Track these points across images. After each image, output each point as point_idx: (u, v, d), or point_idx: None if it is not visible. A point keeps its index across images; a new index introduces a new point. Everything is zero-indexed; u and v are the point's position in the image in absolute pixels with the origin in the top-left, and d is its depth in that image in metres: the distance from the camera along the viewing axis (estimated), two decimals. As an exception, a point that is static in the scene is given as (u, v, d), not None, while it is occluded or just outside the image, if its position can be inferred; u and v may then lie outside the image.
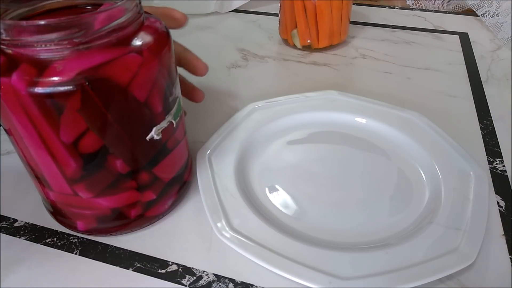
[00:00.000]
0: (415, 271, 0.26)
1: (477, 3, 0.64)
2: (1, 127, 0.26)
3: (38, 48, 0.21)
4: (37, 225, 0.32)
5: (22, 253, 0.30)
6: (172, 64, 0.27)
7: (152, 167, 0.28)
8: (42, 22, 0.21)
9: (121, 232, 0.30)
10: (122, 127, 0.25)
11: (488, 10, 0.62)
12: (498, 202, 0.33)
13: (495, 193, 0.34)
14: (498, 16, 0.61)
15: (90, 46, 0.22)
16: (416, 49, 0.58)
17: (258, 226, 0.29)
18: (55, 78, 0.21)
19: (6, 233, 0.31)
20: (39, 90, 0.21)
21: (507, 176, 0.35)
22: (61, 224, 0.31)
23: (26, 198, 0.34)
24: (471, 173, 0.33)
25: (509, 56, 0.55)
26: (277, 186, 0.34)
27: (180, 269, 0.28)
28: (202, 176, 0.33)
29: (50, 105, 0.22)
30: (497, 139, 0.40)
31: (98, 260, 0.29)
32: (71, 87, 0.21)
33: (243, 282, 0.28)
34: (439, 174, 0.34)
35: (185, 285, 0.27)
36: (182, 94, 0.41)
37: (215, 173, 0.34)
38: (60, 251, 0.30)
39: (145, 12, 0.27)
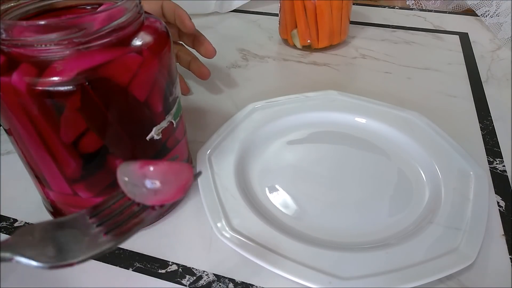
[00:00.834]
0: (415, 271, 0.26)
1: (477, 3, 0.64)
2: (1, 127, 0.26)
3: (38, 48, 0.21)
4: (37, 225, 0.32)
5: (22, 253, 0.30)
6: (172, 64, 0.27)
7: None
8: (42, 22, 0.21)
9: (121, 232, 0.30)
10: (122, 127, 0.25)
11: (488, 10, 0.62)
12: (498, 202, 0.33)
13: (495, 193, 0.34)
14: (498, 16, 0.61)
15: (90, 46, 0.22)
16: (416, 49, 0.58)
17: (258, 226, 0.29)
18: (55, 78, 0.21)
19: (6, 233, 0.31)
20: (39, 90, 0.21)
21: (507, 176, 0.35)
22: (61, 224, 0.31)
23: (26, 198, 0.34)
24: (471, 173, 0.33)
25: (509, 56, 0.55)
26: (277, 186, 0.34)
27: (180, 269, 0.28)
28: (202, 176, 0.33)
29: (50, 105, 0.22)
30: (497, 139, 0.40)
31: (98, 260, 0.29)
32: (71, 87, 0.21)
33: (243, 282, 0.28)
34: (439, 174, 0.34)
35: (185, 285, 0.27)
36: (191, 70, 0.44)
37: (215, 173, 0.34)
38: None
39: (145, 12, 0.27)
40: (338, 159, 0.37)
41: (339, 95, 0.43)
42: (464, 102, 0.46)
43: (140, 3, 0.25)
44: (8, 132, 0.25)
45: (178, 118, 0.29)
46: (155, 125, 0.27)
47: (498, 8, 0.61)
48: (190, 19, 0.41)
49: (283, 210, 0.32)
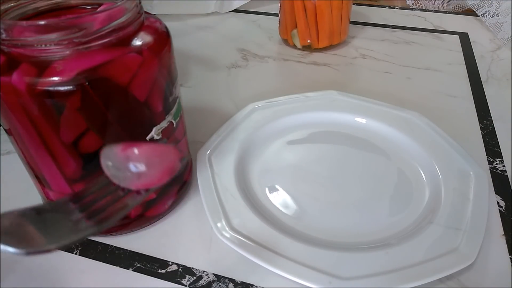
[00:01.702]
0: (415, 271, 0.26)
1: (477, 3, 0.64)
2: (1, 127, 0.26)
3: (38, 48, 0.21)
4: (37, 225, 0.32)
5: (22, 253, 0.30)
6: (172, 64, 0.27)
7: None
8: (42, 22, 0.21)
9: (121, 232, 0.30)
10: (122, 127, 0.25)
11: (488, 10, 0.62)
12: (498, 202, 0.33)
13: (495, 193, 0.34)
14: (498, 16, 0.61)
15: (90, 46, 0.22)
16: (416, 49, 0.58)
17: (258, 226, 0.29)
18: (55, 78, 0.21)
19: (6, 233, 0.31)
20: (39, 89, 0.21)
21: (507, 176, 0.35)
22: (61, 224, 0.31)
23: (26, 198, 0.34)
24: (471, 173, 0.33)
25: (509, 56, 0.55)
26: (277, 186, 0.34)
27: (180, 269, 0.28)
28: (202, 176, 0.33)
29: (50, 105, 0.22)
30: (497, 139, 0.40)
31: (98, 260, 0.29)
32: (71, 87, 0.21)
33: (243, 282, 0.28)
34: (439, 174, 0.34)
35: (185, 285, 0.27)
36: None
37: (215, 173, 0.34)
38: (60, 251, 0.30)
39: (145, 12, 0.27)
40: (338, 159, 0.37)
41: (339, 95, 0.43)
42: (464, 102, 0.46)
43: (140, 3, 0.25)
44: (8, 132, 0.25)
45: (178, 118, 0.29)
46: (155, 125, 0.27)
47: (498, 8, 0.61)
48: None
49: (283, 210, 0.32)
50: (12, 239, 0.17)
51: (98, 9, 0.22)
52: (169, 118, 0.28)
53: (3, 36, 0.21)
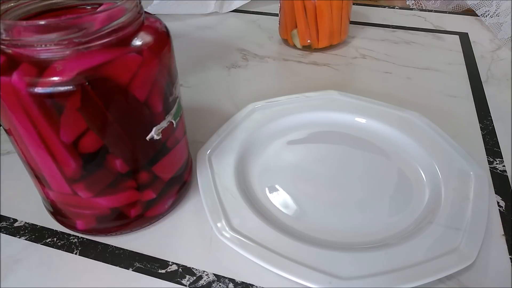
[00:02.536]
0: (415, 271, 0.26)
1: (477, 3, 0.64)
2: (1, 127, 0.26)
3: (38, 48, 0.21)
4: (37, 225, 0.32)
5: (22, 253, 0.30)
6: (172, 64, 0.27)
7: (152, 166, 0.28)
8: (42, 22, 0.21)
9: (121, 232, 0.30)
10: (122, 127, 0.25)
11: (488, 10, 0.62)
12: (498, 202, 0.33)
13: (495, 193, 0.34)
14: (498, 16, 0.61)
15: (90, 46, 0.22)
16: (416, 49, 0.58)
17: (258, 226, 0.29)
18: (55, 78, 0.21)
19: (6, 233, 0.31)
20: (39, 90, 0.21)
21: (507, 176, 0.35)
22: (61, 224, 0.31)
23: (26, 198, 0.34)
24: (471, 173, 0.33)
25: (509, 56, 0.55)
26: (277, 186, 0.34)
27: (180, 269, 0.28)
28: (202, 176, 0.33)
29: (50, 105, 0.22)
30: (497, 139, 0.40)
31: (98, 260, 0.29)
32: (71, 87, 0.21)
33: (243, 282, 0.28)
34: (439, 174, 0.34)
35: (185, 285, 0.27)
36: None
37: (215, 173, 0.34)
38: (60, 251, 0.30)
39: (145, 12, 0.27)
40: (338, 159, 0.37)
41: (339, 95, 0.43)
42: (464, 102, 0.46)
43: (140, 3, 0.25)
44: (8, 132, 0.25)
45: (178, 118, 0.29)
46: (155, 125, 0.27)
47: (498, 8, 0.61)
48: None
49: (283, 210, 0.32)
50: None
51: (98, 9, 0.22)
52: (169, 118, 0.28)
53: (3, 36, 0.21)
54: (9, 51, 0.22)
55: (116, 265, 0.29)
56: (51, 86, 0.21)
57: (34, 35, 0.21)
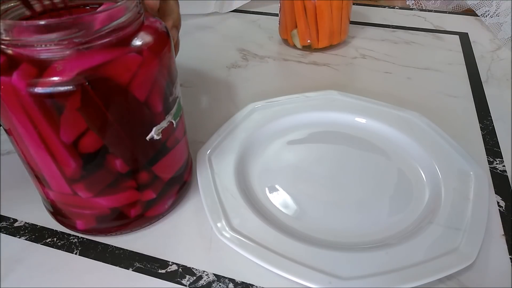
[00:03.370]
0: (415, 271, 0.26)
1: (477, 3, 0.64)
2: (1, 127, 0.26)
3: (38, 48, 0.21)
4: (37, 225, 0.32)
5: (22, 253, 0.30)
6: (172, 64, 0.27)
7: (152, 165, 0.28)
8: (42, 22, 0.21)
9: (121, 232, 0.30)
10: (122, 127, 0.25)
11: (488, 10, 0.62)
12: (498, 202, 0.33)
13: (495, 193, 0.34)
14: (498, 16, 0.61)
15: (90, 46, 0.22)
16: (416, 49, 0.58)
17: (258, 226, 0.29)
18: (55, 78, 0.21)
19: (6, 233, 0.31)
20: (39, 90, 0.21)
21: (507, 176, 0.35)
22: (61, 224, 0.31)
23: (26, 198, 0.34)
24: (471, 173, 0.33)
25: (509, 56, 0.55)
26: (277, 186, 0.34)
27: (180, 269, 0.28)
28: (202, 176, 0.33)
29: (50, 105, 0.22)
30: (497, 139, 0.40)
31: (98, 260, 0.29)
32: (71, 87, 0.21)
33: (243, 282, 0.28)
34: (439, 174, 0.34)
35: (185, 285, 0.27)
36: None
37: (215, 173, 0.34)
38: (60, 251, 0.30)
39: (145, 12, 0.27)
40: (338, 159, 0.37)
41: (339, 95, 0.43)
42: (464, 102, 0.46)
43: (140, 3, 0.25)
44: (8, 132, 0.25)
45: (178, 118, 0.29)
46: (155, 125, 0.27)
47: (498, 8, 0.61)
48: None
49: (283, 210, 0.32)
50: None
51: (98, 9, 0.22)
52: (169, 118, 0.28)
53: (3, 36, 0.21)
54: (9, 51, 0.22)
55: (116, 265, 0.29)
56: (51, 86, 0.21)
57: (34, 35, 0.21)
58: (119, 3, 0.23)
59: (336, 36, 0.55)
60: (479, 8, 0.64)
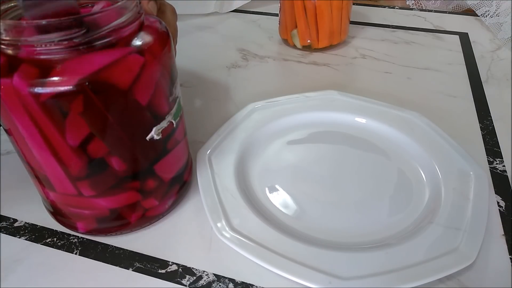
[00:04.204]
0: (415, 271, 0.26)
1: (477, 3, 0.64)
2: (1, 127, 0.26)
3: (38, 48, 0.21)
4: (37, 225, 0.32)
5: (22, 253, 0.30)
6: (172, 64, 0.27)
7: (153, 165, 0.28)
8: (42, 22, 0.21)
9: (121, 232, 0.30)
10: (123, 128, 0.25)
11: (488, 10, 0.62)
12: (498, 202, 0.33)
13: (495, 193, 0.34)
14: (498, 16, 0.61)
15: (90, 46, 0.22)
16: (416, 49, 0.58)
17: (258, 226, 0.29)
18: (57, 79, 0.21)
19: (6, 233, 0.31)
20: (39, 91, 0.21)
21: (507, 176, 0.35)
22: (61, 224, 0.31)
23: (26, 198, 0.34)
24: (471, 173, 0.33)
25: (509, 56, 0.55)
26: (277, 186, 0.34)
27: (180, 269, 0.28)
28: (202, 176, 0.33)
29: (53, 107, 0.22)
30: (497, 139, 0.40)
31: (98, 260, 0.29)
32: (71, 87, 0.21)
33: (243, 282, 0.28)
34: (439, 174, 0.34)
35: (185, 285, 0.27)
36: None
37: (215, 173, 0.34)
38: (60, 251, 0.30)
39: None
40: (338, 159, 0.37)
41: (339, 95, 0.43)
42: (464, 102, 0.46)
43: (140, 3, 0.25)
44: (8, 132, 0.25)
45: (178, 118, 0.29)
46: (155, 125, 0.27)
47: (498, 8, 0.61)
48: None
49: (283, 210, 0.32)
50: None
51: (95, 8, 0.22)
52: (169, 118, 0.28)
53: (3, 36, 0.21)
54: (9, 51, 0.22)
55: (116, 265, 0.29)
56: (53, 87, 0.21)
57: (34, 35, 0.21)
58: (119, 3, 0.23)
59: (336, 36, 0.55)
60: (479, 8, 0.64)
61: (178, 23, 0.41)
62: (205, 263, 0.29)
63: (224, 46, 0.59)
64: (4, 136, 0.26)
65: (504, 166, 0.36)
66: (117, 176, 0.26)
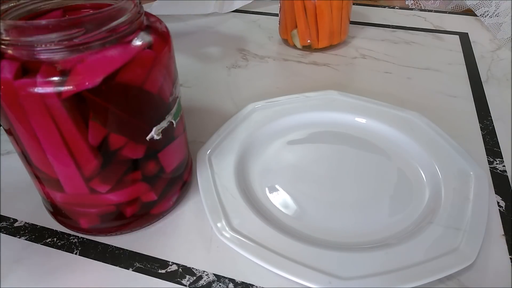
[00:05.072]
0: (415, 271, 0.26)
1: (476, 3, 0.64)
2: (1, 127, 0.26)
3: (38, 48, 0.21)
4: (37, 225, 0.32)
5: (22, 253, 0.30)
6: (172, 64, 0.27)
7: (158, 152, 0.28)
8: (42, 22, 0.21)
9: (121, 232, 0.30)
10: (139, 121, 0.25)
11: (488, 11, 0.62)
12: (498, 202, 0.33)
13: (495, 193, 0.34)
14: (498, 16, 0.61)
15: (90, 47, 0.22)
16: (416, 49, 0.58)
17: (258, 226, 0.29)
18: (81, 77, 0.21)
19: (6, 233, 0.31)
20: (64, 89, 0.21)
21: (507, 176, 0.35)
22: (61, 224, 0.31)
23: (26, 198, 0.34)
24: (471, 173, 0.33)
25: (509, 56, 0.55)
26: (277, 186, 0.34)
27: (180, 269, 0.28)
28: (202, 176, 0.33)
29: (77, 106, 0.22)
30: (497, 139, 0.40)
31: (98, 260, 0.29)
32: (96, 85, 0.22)
33: (243, 282, 0.28)
34: (439, 174, 0.34)
35: (185, 285, 0.27)
36: None
37: (215, 173, 0.34)
38: (60, 251, 0.30)
39: (145, 12, 0.27)
40: (338, 159, 0.37)
41: (339, 95, 0.43)
42: (464, 102, 0.46)
43: (139, 3, 0.25)
44: (8, 132, 0.25)
45: (178, 118, 0.29)
46: (155, 125, 0.27)
47: (498, 8, 0.61)
48: None
49: (283, 210, 0.32)
50: None
51: (99, 9, 0.22)
52: (169, 118, 0.28)
53: (3, 36, 0.21)
54: (9, 51, 0.22)
55: (116, 265, 0.29)
56: (77, 86, 0.21)
57: (34, 35, 0.21)
58: (119, 3, 0.23)
59: (336, 36, 0.55)
60: (478, 9, 0.64)
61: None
62: (205, 263, 0.29)
63: (224, 46, 0.59)
64: (4, 136, 0.26)
65: (504, 166, 0.37)
66: (126, 166, 0.26)
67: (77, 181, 0.26)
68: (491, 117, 0.43)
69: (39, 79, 0.21)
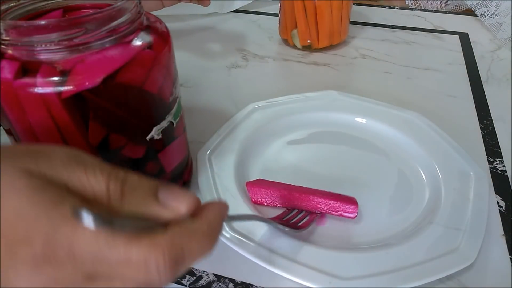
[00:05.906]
0: (415, 271, 0.26)
1: (476, 4, 0.64)
2: (1, 127, 0.26)
3: (38, 48, 0.21)
4: (37, 225, 0.32)
5: (22, 253, 0.30)
6: (172, 64, 0.27)
7: (159, 152, 0.28)
8: (42, 22, 0.21)
9: (121, 232, 0.30)
10: (138, 121, 0.25)
11: (488, 11, 0.62)
12: (498, 202, 0.33)
13: (495, 193, 0.34)
14: (498, 16, 0.61)
15: (90, 47, 0.22)
16: (416, 49, 0.58)
17: (258, 226, 0.29)
18: (81, 77, 0.21)
19: (6, 233, 0.31)
20: (64, 89, 0.21)
21: (507, 176, 0.35)
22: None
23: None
24: (471, 173, 0.33)
25: (509, 56, 0.55)
26: (277, 186, 0.34)
27: (180, 269, 0.28)
28: (202, 176, 0.33)
29: (77, 106, 0.22)
30: (497, 139, 0.40)
31: (98, 260, 0.29)
32: (96, 85, 0.21)
33: (243, 282, 0.28)
34: (439, 174, 0.34)
35: (185, 285, 0.27)
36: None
37: (215, 173, 0.34)
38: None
39: (145, 12, 0.27)
40: (338, 159, 0.37)
41: (339, 95, 0.43)
42: (464, 102, 0.46)
43: (140, 3, 0.25)
44: (8, 132, 0.25)
45: (178, 118, 0.29)
46: (155, 125, 0.27)
47: (498, 8, 0.61)
48: None
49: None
50: None
51: (98, 9, 0.22)
52: (169, 118, 0.28)
53: (3, 36, 0.21)
54: (9, 51, 0.22)
55: (116, 265, 0.29)
56: (77, 86, 0.21)
57: (34, 35, 0.21)
58: (119, 3, 0.23)
59: (336, 36, 0.55)
60: (478, 9, 0.64)
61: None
62: (205, 263, 0.29)
63: (224, 46, 0.59)
64: (4, 136, 0.26)
65: (504, 166, 0.36)
66: (126, 166, 0.26)
67: None
68: (491, 117, 0.43)
69: (39, 79, 0.21)
